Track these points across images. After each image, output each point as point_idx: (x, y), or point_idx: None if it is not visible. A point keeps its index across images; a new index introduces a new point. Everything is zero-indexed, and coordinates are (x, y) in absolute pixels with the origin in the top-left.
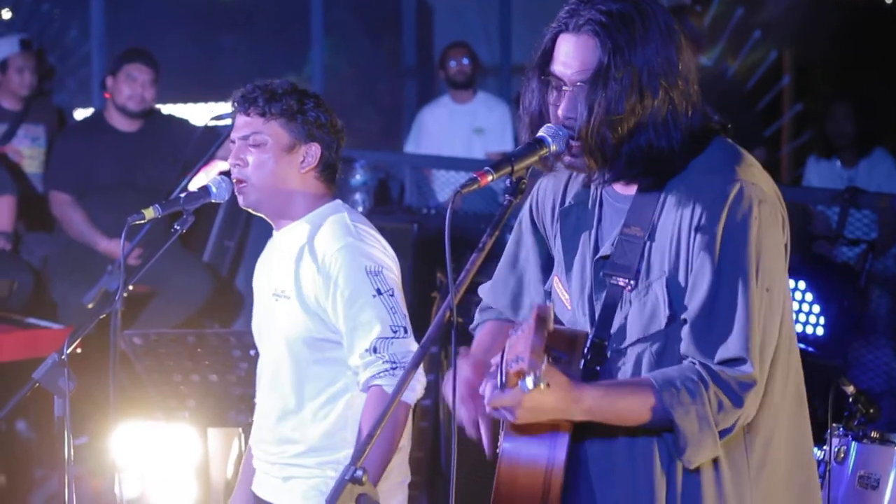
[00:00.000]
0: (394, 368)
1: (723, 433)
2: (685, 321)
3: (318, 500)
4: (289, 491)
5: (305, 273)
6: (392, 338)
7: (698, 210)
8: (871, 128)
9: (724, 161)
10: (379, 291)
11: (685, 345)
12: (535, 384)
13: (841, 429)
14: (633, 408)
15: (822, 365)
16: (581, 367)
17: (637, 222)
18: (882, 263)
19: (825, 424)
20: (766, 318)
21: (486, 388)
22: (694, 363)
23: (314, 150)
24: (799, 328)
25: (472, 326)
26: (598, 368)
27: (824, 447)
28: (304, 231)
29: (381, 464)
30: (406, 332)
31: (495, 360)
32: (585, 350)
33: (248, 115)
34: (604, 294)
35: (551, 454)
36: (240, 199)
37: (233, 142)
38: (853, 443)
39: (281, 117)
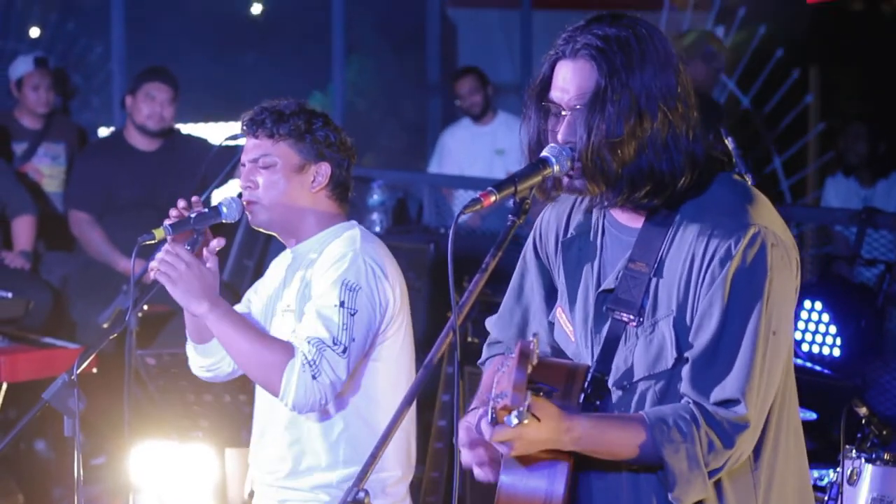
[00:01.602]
0: (311, 367)
1: (712, 473)
2: (687, 360)
3: None
4: None
5: (304, 285)
6: (329, 347)
7: (710, 251)
8: (887, 148)
9: (737, 202)
10: (342, 304)
11: (684, 383)
12: (520, 419)
13: (854, 451)
14: (623, 442)
15: (838, 386)
16: (580, 400)
17: (642, 258)
18: None
19: (839, 446)
20: (770, 362)
21: (482, 425)
22: (689, 402)
23: (324, 169)
24: (815, 349)
25: (479, 361)
26: (598, 403)
27: (837, 469)
28: (315, 249)
29: (227, 329)
30: (345, 352)
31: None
32: (586, 384)
33: (256, 137)
34: (606, 328)
35: (549, 488)
36: (250, 219)
37: (243, 164)
38: (866, 465)
39: (289, 138)
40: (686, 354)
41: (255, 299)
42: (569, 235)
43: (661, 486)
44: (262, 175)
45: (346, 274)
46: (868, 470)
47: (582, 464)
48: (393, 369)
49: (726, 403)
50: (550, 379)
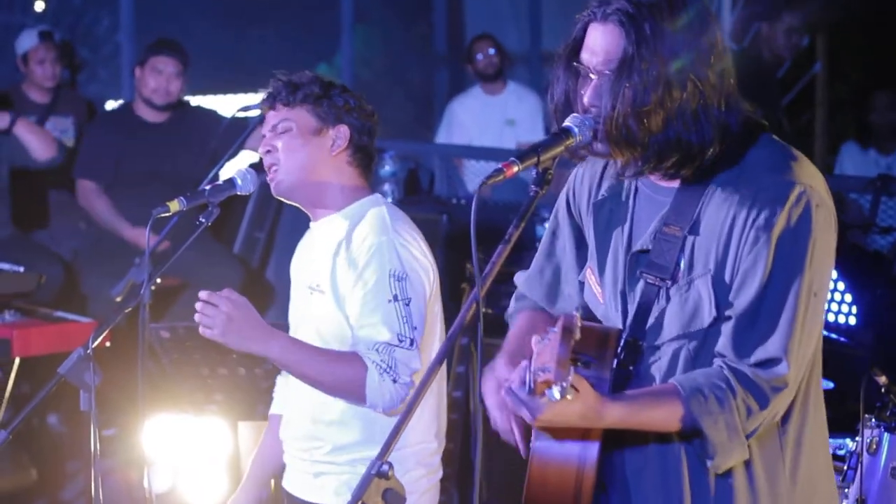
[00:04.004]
0: (389, 372)
1: (748, 436)
2: (728, 318)
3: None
4: (320, 487)
5: (340, 268)
6: (396, 346)
7: (755, 209)
8: None
9: (781, 160)
10: (395, 298)
11: (723, 342)
12: (563, 395)
13: (873, 420)
14: (661, 418)
15: (854, 355)
16: (614, 366)
17: (677, 221)
18: None
19: (857, 415)
20: (810, 323)
21: (514, 386)
22: (723, 367)
23: (343, 131)
24: (831, 317)
25: (507, 314)
26: (632, 368)
27: (857, 438)
28: (342, 225)
29: (291, 360)
30: (412, 344)
31: (524, 362)
32: (619, 349)
33: (274, 108)
34: (638, 291)
35: (583, 453)
36: (272, 187)
37: (264, 136)
38: (886, 434)
39: (305, 103)
40: (727, 313)
41: (293, 284)
42: (600, 196)
43: (693, 448)
44: (281, 139)
45: (389, 265)
46: (887, 439)
47: (611, 430)
48: (427, 347)
49: (767, 364)
50: (583, 343)
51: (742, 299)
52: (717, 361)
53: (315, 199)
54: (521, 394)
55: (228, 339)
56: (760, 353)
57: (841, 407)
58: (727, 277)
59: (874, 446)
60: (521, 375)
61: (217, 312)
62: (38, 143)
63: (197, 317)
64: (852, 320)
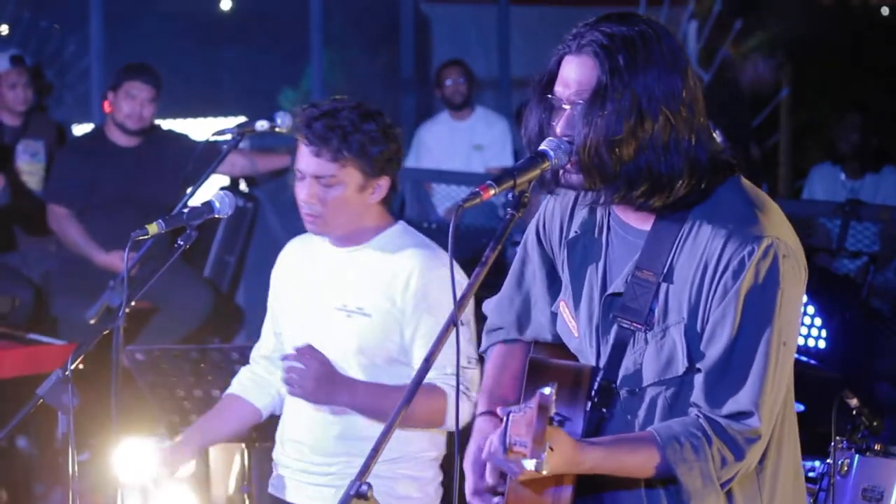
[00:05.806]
0: (464, 392)
1: (723, 485)
2: (699, 370)
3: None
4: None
5: (391, 297)
6: (467, 368)
7: (723, 262)
8: (879, 142)
9: (748, 210)
10: (461, 322)
11: (696, 393)
12: (537, 469)
13: (844, 442)
14: (637, 465)
15: (824, 378)
16: (587, 408)
17: (650, 266)
18: (883, 276)
19: (828, 437)
20: (779, 373)
21: (494, 444)
22: (699, 416)
23: (384, 183)
24: (801, 341)
25: (480, 350)
26: (605, 411)
27: (828, 460)
28: (381, 255)
29: (376, 405)
30: (475, 363)
31: (500, 428)
32: (592, 392)
33: (319, 156)
34: (612, 334)
35: (556, 494)
36: (309, 229)
37: (299, 172)
38: (856, 456)
39: (355, 159)
40: (698, 365)
41: (283, 295)
42: (573, 234)
43: (672, 496)
44: (327, 192)
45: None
46: (858, 461)
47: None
48: None
49: (739, 416)
50: (556, 382)
51: (712, 351)
52: (693, 411)
53: (347, 235)
54: (500, 455)
55: (318, 396)
56: (732, 406)
57: (812, 429)
58: (698, 327)
59: (845, 468)
60: (501, 439)
61: (305, 374)
62: None
63: (285, 378)
64: (822, 344)
